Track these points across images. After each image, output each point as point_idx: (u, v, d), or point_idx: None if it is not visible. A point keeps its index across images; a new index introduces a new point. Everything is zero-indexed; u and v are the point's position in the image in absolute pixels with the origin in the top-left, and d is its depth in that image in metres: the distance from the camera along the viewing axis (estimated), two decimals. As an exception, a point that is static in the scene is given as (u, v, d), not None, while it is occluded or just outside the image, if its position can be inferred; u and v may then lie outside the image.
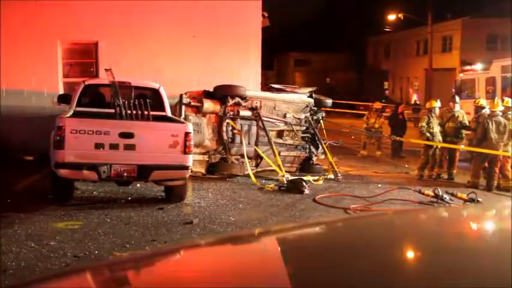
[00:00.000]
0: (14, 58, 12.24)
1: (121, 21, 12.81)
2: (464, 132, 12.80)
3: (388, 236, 1.84)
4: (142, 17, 12.92)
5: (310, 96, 12.87)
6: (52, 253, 6.10)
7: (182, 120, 10.04)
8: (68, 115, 8.43)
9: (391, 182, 11.72)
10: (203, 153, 11.23)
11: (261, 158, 11.69)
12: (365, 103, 28.75)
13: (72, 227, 7.19)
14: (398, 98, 42.12)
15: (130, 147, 7.94)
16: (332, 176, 11.77)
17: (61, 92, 12.18)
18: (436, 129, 12.57)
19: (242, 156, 11.33)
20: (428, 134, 12.54)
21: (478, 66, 18.84)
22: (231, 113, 11.33)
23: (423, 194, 9.76)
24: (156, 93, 9.85)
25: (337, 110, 21.77)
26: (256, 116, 11.54)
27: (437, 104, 12.88)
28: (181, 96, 10.89)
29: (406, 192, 10.25)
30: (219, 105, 11.21)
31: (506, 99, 12.21)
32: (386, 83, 50.48)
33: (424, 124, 12.68)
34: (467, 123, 12.77)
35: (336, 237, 1.90)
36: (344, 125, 18.29)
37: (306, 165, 12.61)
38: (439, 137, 12.59)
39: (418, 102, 17.25)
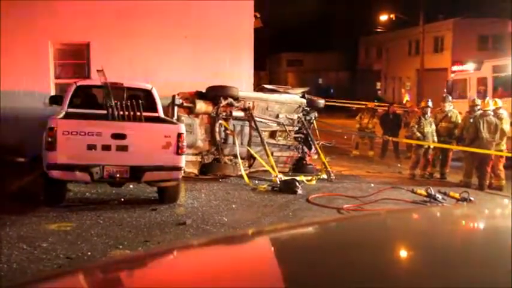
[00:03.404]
0: (5, 59, 12.16)
1: (113, 22, 12.76)
2: (456, 132, 12.83)
3: (381, 236, 1.84)
4: (134, 17, 12.88)
5: (303, 97, 12.88)
6: (44, 255, 6.07)
7: (175, 121, 10.02)
8: (60, 116, 8.40)
9: (384, 181, 11.75)
10: (196, 154, 11.21)
11: (254, 158, 11.69)
12: (357, 102, 28.80)
13: (64, 229, 7.16)
14: (391, 98, 42.24)
15: (122, 148, 7.91)
16: (325, 176, 11.78)
17: (53, 93, 12.13)
18: (428, 129, 12.61)
19: (235, 156, 11.32)
20: (418, 134, 12.60)
21: (470, 66, 18.93)
22: (224, 113, 11.32)
23: (416, 193, 9.79)
24: (148, 94, 9.83)
25: (332, 103, 21.76)
26: (249, 116, 11.54)
27: (428, 104, 12.92)
28: (173, 97, 10.87)
29: (399, 192, 10.28)
30: (212, 106, 11.19)
31: (493, 101, 12.15)
32: (378, 83, 50.66)
33: (415, 124, 12.77)
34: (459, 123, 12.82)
35: (329, 237, 1.90)
36: (337, 125, 18.32)
37: (299, 166, 12.62)
38: (431, 137, 12.62)
39: (408, 106, 17.47)
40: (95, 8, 12.58)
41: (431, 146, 12.68)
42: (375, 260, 1.52)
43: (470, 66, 18.41)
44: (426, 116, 12.77)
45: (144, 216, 7.97)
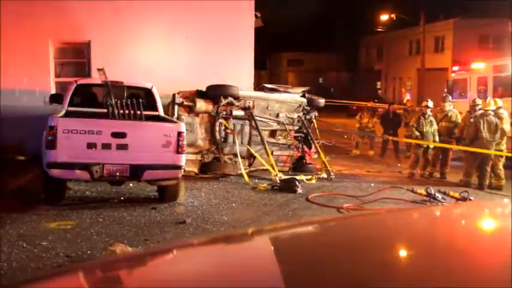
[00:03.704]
0: (6, 57, 12.16)
1: (113, 20, 12.77)
2: (456, 131, 12.84)
3: (381, 235, 1.84)
4: (135, 16, 12.89)
5: (303, 96, 12.89)
6: (44, 253, 6.08)
7: (175, 119, 10.03)
8: (60, 115, 8.40)
9: (383, 181, 11.75)
10: (196, 153, 11.21)
11: (254, 157, 11.70)
12: (358, 102, 28.78)
13: (64, 227, 7.16)
14: (391, 98, 42.28)
15: (122, 147, 7.91)
16: (325, 175, 11.79)
17: (53, 91, 12.13)
18: (428, 128, 12.61)
19: (235, 155, 11.33)
20: (417, 133, 12.61)
21: (473, 66, 18.90)
22: (224, 112, 11.32)
23: (416, 193, 9.79)
24: (148, 93, 9.83)
25: (334, 103, 21.73)
26: (249, 115, 11.55)
27: (428, 103, 12.92)
28: (174, 95, 10.88)
29: (399, 191, 10.29)
30: (212, 105, 11.20)
31: (493, 100, 12.16)
32: (379, 83, 50.67)
33: (414, 124, 12.80)
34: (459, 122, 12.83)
35: (329, 236, 1.90)
36: (337, 124, 18.31)
37: (298, 165, 12.62)
38: (431, 137, 12.62)
39: (408, 105, 17.72)
40: (95, 6, 12.58)
41: (431, 146, 12.69)
42: (374, 260, 1.52)
43: (473, 66, 18.43)
44: (426, 115, 12.77)
45: (144, 214, 7.97)
